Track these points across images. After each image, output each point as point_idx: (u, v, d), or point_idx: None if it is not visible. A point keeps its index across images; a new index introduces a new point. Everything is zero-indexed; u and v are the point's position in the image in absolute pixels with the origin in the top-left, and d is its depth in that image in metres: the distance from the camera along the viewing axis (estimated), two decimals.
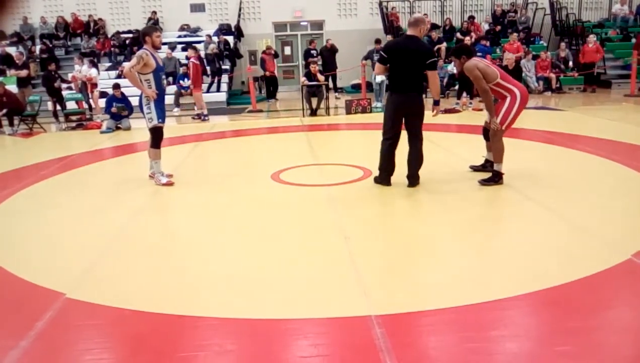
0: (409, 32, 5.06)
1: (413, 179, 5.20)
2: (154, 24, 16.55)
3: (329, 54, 14.47)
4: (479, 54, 12.20)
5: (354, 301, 2.92)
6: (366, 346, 2.47)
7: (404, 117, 5.12)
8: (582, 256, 3.43)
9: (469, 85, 12.12)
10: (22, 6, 15.14)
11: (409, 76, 4.96)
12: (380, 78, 11.79)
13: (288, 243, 3.97)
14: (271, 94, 15.30)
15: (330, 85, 14.59)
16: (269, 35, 17.46)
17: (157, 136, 5.75)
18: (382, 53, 5.08)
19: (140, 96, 5.64)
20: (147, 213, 4.89)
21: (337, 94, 14.87)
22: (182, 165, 7.01)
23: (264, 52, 15.40)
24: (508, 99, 5.12)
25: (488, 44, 14.58)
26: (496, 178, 5.19)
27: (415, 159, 5.19)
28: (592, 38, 14.15)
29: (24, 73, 12.69)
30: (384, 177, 5.27)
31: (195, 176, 6.05)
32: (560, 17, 16.43)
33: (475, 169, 5.76)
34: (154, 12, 16.74)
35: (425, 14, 16.78)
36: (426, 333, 2.64)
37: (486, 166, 5.64)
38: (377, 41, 13.16)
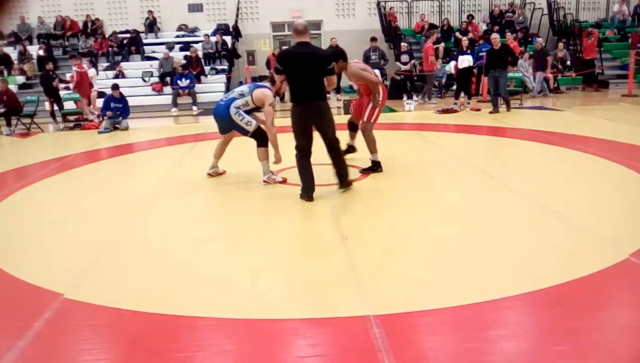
0: (299, 39, 4.75)
1: (342, 179, 5.01)
2: (151, 24, 16.58)
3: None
4: (481, 53, 12.31)
5: (352, 301, 2.92)
6: (364, 346, 2.47)
7: (312, 126, 4.85)
8: (579, 256, 3.43)
9: (467, 85, 12.18)
10: (20, 6, 15.10)
11: (307, 84, 4.70)
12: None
13: (286, 243, 3.97)
14: (282, 96, 14.87)
15: None
16: (266, 35, 17.45)
17: (261, 135, 5.56)
18: (277, 64, 4.82)
19: (229, 105, 5.51)
20: (145, 214, 4.88)
21: (338, 95, 14.67)
22: (181, 165, 7.01)
23: (273, 53, 15.08)
24: (377, 99, 5.73)
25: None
26: (375, 166, 5.79)
27: (338, 163, 4.99)
28: (592, 31, 14.25)
29: None
30: (306, 192, 4.88)
31: (193, 176, 6.04)
32: (558, 17, 16.46)
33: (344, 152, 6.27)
34: (150, 12, 16.73)
35: (422, 14, 16.84)
36: (424, 333, 2.64)
37: (349, 151, 6.20)
38: (373, 39, 13.12)
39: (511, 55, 10.79)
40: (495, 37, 10.85)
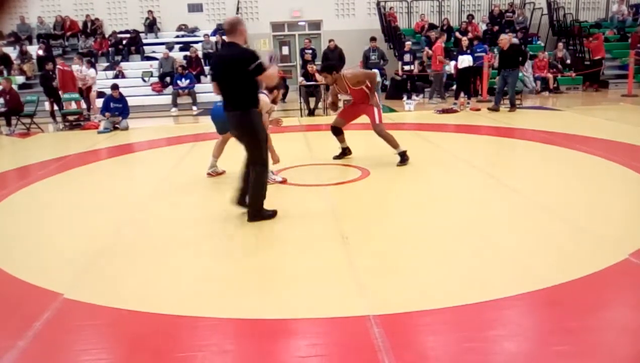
0: (228, 39, 4.19)
1: (248, 213, 4.36)
2: (151, 24, 16.58)
3: (333, 55, 14.26)
4: (482, 54, 12.32)
5: (352, 301, 2.92)
6: (364, 346, 2.47)
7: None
8: (579, 256, 3.43)
9: (467, 85, 12.19)
10: (20, 6, 15.09)
11: (227, 90, 4.20)
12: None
13: (286, 243, 3.97)
14: (283, 96, 14.70)
15: None
16: (266, 35, 17.44)
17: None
18: (210, 69, 4.42)
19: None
20: (144, 214, 4.88)
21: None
22: (180, 165, 7.01)
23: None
24: (375, 100, 6.10)
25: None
26: (404, 157, 5.98)
27: (250, 187, 4.38)
28: (595, 36, 14.40)
29: None
30: (238, 196, 4.56)
31: (193, 176, 6.04)
32: (558, 17, 16.47)
33: (337, 157, 6.53)
34: (150, 12, 16.74)
35: (422, 14, 16.83)
36: (424, 333, 2.64)
37: (345, 154, 6.56)
38: (373, 39, 13.15)
39: (521, 55, 10.85)
40: (503, 38, 10.91)
